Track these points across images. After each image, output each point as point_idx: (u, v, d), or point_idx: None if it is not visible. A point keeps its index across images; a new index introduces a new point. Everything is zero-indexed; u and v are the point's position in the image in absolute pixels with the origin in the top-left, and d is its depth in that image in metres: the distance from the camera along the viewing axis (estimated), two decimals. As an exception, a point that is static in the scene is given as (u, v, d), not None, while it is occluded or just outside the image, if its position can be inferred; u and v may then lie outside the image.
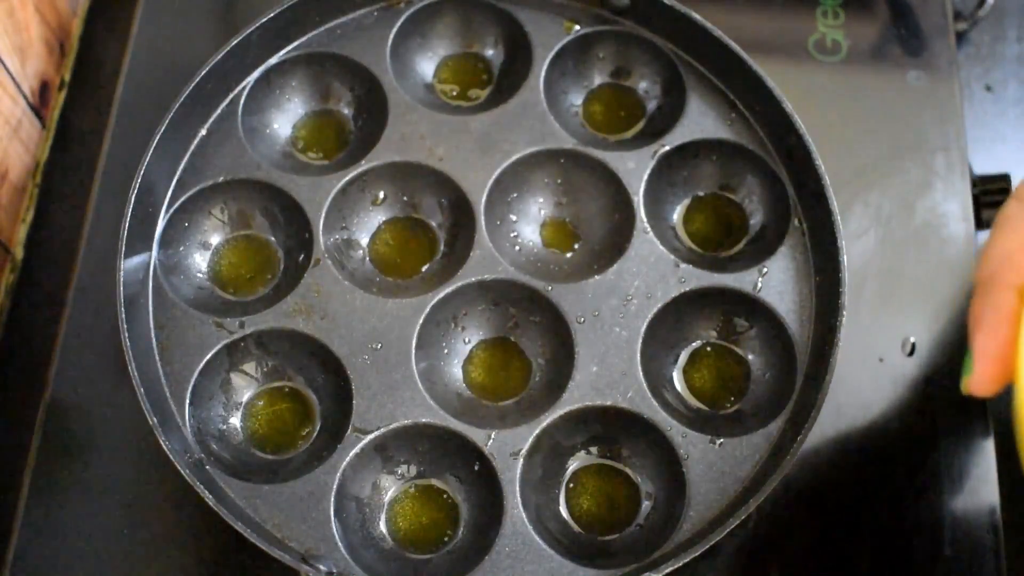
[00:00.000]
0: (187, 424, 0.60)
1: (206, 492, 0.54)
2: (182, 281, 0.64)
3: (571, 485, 0.61)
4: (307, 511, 0.58)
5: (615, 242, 0.65)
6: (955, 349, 0.68)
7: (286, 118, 0.69)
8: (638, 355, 0.61)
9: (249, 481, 0.58)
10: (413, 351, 0.61)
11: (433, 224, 0.66)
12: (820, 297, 0.62)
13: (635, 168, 0.65)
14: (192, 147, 0.66)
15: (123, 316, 0.58)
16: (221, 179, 0.65)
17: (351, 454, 0.59)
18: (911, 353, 0.68)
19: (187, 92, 0.63)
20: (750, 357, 0.63)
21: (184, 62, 0.69)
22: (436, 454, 0.60)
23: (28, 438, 0.65)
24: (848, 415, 0.66)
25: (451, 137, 0.66)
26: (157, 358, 0.61)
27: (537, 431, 0.59)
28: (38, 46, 0.75)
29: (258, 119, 0.68)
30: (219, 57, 0.65)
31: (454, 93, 0.71)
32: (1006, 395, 0.69)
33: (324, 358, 0.61)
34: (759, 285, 0.63)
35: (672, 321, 0.63)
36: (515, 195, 0.66)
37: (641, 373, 0.61)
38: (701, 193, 0.68)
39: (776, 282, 0.63)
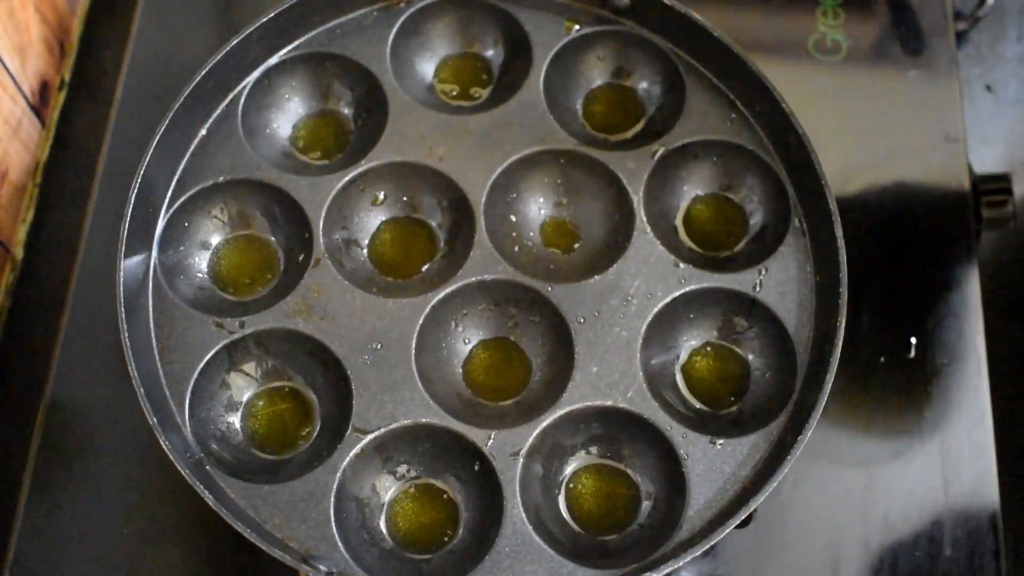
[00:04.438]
0: (187, 424, 0.60)
1: (206, 492, 0.54)
2: (182, 281, 0.64)
3: (571, 485, 0.61)
4: (307, 511, 0.58)
5: (615, 242, 0.65)
6: (955, 349, 0.69)
7: (286, 118, 0.69)
8: (638, 355, 0.61)
9: (249, 481, 0.58)
10: (413, 351, 0.61)
11: (433, 224, 0.67)
12: (820, 297, 0.62)
13: (635, 168, 0.65)
14: (192, 147, 0.66)
15: (123, 316, 0.58)
16: (221, 179, 0.65)
17: (351, 454, 0.59)
18: (911, 353, 0.68)
19: (187, 92, 0.63)
20: (750, 357, 0.63)
21: (184, 62, 0.69)
22: (436, 454, 0.60)
23: (28, 438, 0.65)
24: (849, 415, 0.66)
25: (451, 137, 0.66)
26: (157, 358, 0.61)
27: (537, 431, 0.59)
28: (38, 46, 0.75)
29: (258, 119, 0.68)
30: (219, 57, 0.65)
31: (454, 93, 0.71)
32: (1006, 401, 0.69)
33: (324, 358, 0.61)
34: (759, 285, 0.63)
35: (672, 321, 0.63)
36: (515, 195, 0.66)
37: (641, 373, 0.61)
38: (701, 193, 0.68)
39: (776, 282, 0.63)
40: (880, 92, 0.76)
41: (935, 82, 0.75)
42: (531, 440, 0.59)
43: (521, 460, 0.58)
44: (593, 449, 0.61)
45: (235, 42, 0.65)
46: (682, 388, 0.63)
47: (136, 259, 0.62)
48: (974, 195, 0.72)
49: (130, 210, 0.60)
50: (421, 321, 0.61)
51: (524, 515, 0.57)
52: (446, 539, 0.59)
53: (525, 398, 0.62)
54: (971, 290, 0.70)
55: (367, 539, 0.59)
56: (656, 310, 0.62)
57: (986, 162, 0.77)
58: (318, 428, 0.62)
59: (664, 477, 0.60)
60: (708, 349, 0.64)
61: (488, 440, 0.59)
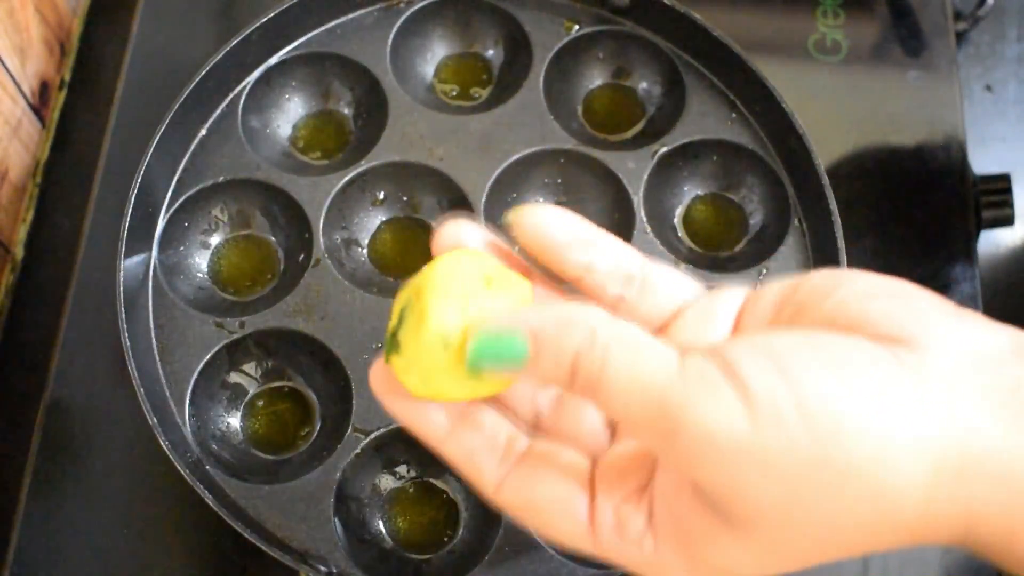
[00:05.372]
0: (187, 424, 0.60)
1: (206, 492, 0.54)
2: (182, 281, 0.64)
3: (571, 485, 0.61)
4: (307, 511, 0.57)
5: (615, 242, 0.65)
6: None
7: (286, 118, 0.69)
8: (638, 355, 0.61)
9: (249, 481, 0.58)
10: (413, 351, 0.61)
11: (433, 224, 0.66)
12: (820, 297, 0.62)
13: (635, 168, 0.65)
14: (192, 147, 0.66)
15: (123, 316, 0.58)
16: (221, 179, 0.65)
17: (351, 454, 0.59)
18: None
19: (187, 92, 0.63)
20: (750, 357, 0.63)
21: (184, 62, 0.69)
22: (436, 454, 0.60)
23: (28, 438, 0.65)
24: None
25: (451, 137, 0.66)
26: (157, 358, 0.61)
27: (537, 431, 0.59)
28: (38, 46, 0.75)
29: (258, 119, 0.68)
30: (219, 57, 0.65)
31: (454, 93, 0.71)
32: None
33: (324, 358, 0.61)
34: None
35: (672, 321, 0.63)
36: (515, 195, 0.66)
37: (641, 373, 0.61)
38: (701, 193, 0.68)
39: (776, 282, 0.63)
40: (880, 92, 0.76)
41: (935, 82, 0.75)
42: (531, 440, 0.59)
43: (521, 460, 0.58)
44: (593, 449, 0.61)
45: (235, 42, 0.65)
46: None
47: (136, 259, 0.61)
48: (974, 195, 0.72)
49: (130, 210, 0.60)
50: (421, 321, 0.61)
51: (524, 515, 0.57)
52: (446, 539, 0.59)
53: (525, 398, 0.62)
54: (971, 290, 0.69)
55: (367, 539, 0.59)
56: (656, 310, 0.62)
57: (986, 162, 0.77)
58: (318, 428, 0.61)
59: (664, 477, 0.60)
60: (708, 349, 0.64)
61: (488, 440, 0.59)
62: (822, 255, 0.62)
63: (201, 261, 0.65)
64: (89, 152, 0.73)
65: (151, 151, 0.62)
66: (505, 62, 0.71)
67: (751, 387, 0.29)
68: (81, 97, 0.78)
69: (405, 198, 0.67)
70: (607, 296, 0.35)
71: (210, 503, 0.54)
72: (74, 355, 0.66)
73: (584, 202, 0.67)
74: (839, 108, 0.75)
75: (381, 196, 0.66)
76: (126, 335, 0.57)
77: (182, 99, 0.63)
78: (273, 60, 0.68)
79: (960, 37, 0.79)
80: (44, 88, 0.77)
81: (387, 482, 0.60)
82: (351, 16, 0.70)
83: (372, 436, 0.59)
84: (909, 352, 0.30)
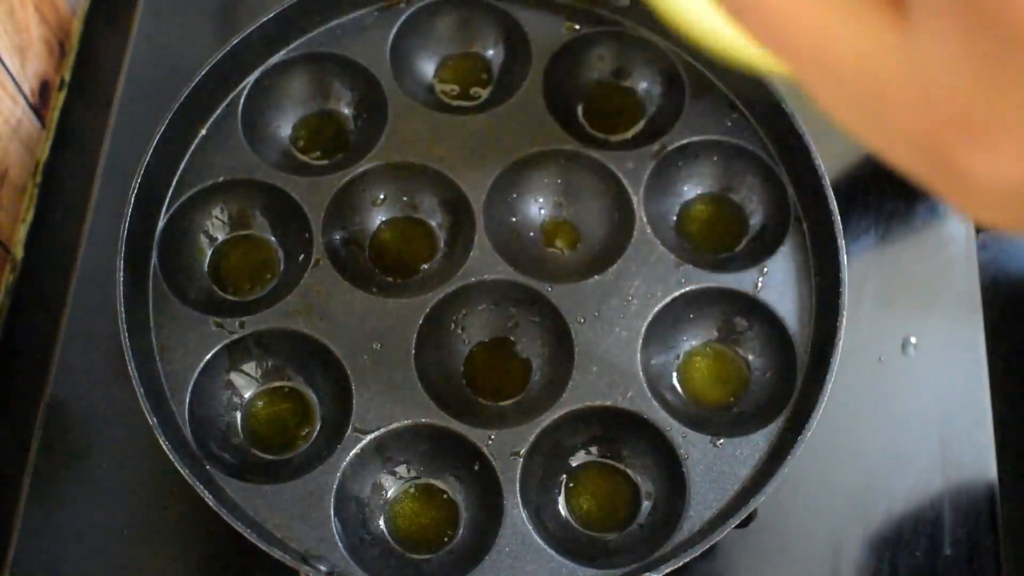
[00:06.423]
0: (187, 424, 0.60)
1: (206, 492, 0.54)
2: (182, 281, 0.64)
3: (571, 485, 0.61)
4: (307, 511, 0.58)
5: (615, 242, 0.65)
6: (955, 349, 0.68)
7: (286, 118, 0.69)
8: (638, 355, 0.61)
9: (249, 481, 0.58)
10: (413, 351, 0.61)
11: (433, 224, 0.66)
12: (820, 297, 0.62)
13: (635, 168, 0.65)
14: (192, 147, 0.66)
15: (123, 316, 0.58)
16: (221, 179, 0.65)
17: (351, 454, 0.59)
18: (911, 353, 0.68)
19: (187, 92, 0.63)
20: (750, 357, 0.63)
21: (184, 62, 0.69)
22: (436, 454, 0.60)
23: (28, 438, 0.65)
24: (848, 415, 0.66)
25: (451, 137, 0.66)
26: (157, 358, 0.61)
27: (537, 431, 0.59)
28: (38, 46, 0.75)
29: (258, 119, 0.68)
30: (219, 57, 0.65)
31: (454, 93, 0.71)
32: (1006, 401, 0.69)
33: (324, 358, 0.61)
34: (759, 285, 0.63)
35: (672, 321, 0.63)
36: (515, 195, 0.66)
37: (641, 373, 0.61)
38: (701, 193, 0.68)
39: (776, 282, 0.63)
40: (880, 92, 0.76)
41: (935, 82, 0.75)
42: (531, 440, 0.59)
43: (521, 460, 0.58)
44: (593, 449, 0.61)
45: (235, 42, 0.65)
46: (682, 388, 0.63)
47: (136, 259, 0.61)
48: (974, 195, 0.72)
49: (130, 210, 0.60)
50: (421, 321, 0.61)
51: (524, 515, 0.57)
52: (446, 539, 0.59)
53: (525, 398, 0.62)
54: (971, 290, 0.69)
55: (367, 539, 0.59)
56: (656, 310, 0.62)
57: (986, 162, 0.77)
58: (318, 428, 0.62)
59: (664, 477, 0.60)
60: (708, 349, 0.64)
61: (488, 440, 0.59)
62: (822, 255, 0.62)
63: (201, 261, 0.65)
64: (89, 152, 0.73)
65: (151, 151, 0.62)
66: (505, 62, 0.71)
67: None
68: (81, 97, 0.78)
69: (405, 198, 0.67)
70: None
71: (210, 503, 0.54)
72: (74, 355, 0.66)
73: (584, 202, 0.67)
74: (839, 108, 0.75)
75: (381, 196, 0.66)
76: (126, 335, 0.57)
77: (182, 99, 0.63)
78: (273, 60, 0.68)
79: (960, 37, 0.79)
80: (44, 88, 0.77)
81: (387, 482, 0.60)
82: (351, 16, 0.70)
83: (372, 436, 0.59)
84: None
